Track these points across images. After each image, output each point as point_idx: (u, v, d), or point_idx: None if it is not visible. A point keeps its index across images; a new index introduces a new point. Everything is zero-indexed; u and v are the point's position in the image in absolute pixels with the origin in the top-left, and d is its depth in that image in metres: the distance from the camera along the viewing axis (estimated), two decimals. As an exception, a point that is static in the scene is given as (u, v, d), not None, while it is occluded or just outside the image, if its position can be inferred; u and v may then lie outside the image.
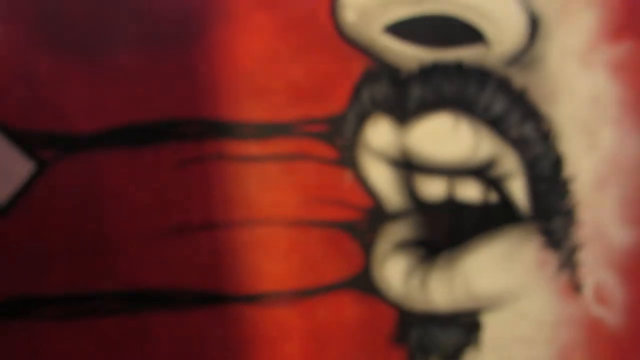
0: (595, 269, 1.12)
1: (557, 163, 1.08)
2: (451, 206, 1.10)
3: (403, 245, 1.12)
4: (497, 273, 1.12)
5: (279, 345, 1.15)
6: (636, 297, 1.13)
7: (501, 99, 1.05)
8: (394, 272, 1.13)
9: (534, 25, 1.03)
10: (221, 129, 1.07)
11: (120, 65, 1.03)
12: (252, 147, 1.08)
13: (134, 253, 1.09)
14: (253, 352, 1.13)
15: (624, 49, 1.03)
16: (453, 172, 1.09)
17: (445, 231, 1.12)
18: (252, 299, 1.13)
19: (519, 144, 1.07)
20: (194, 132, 1.07)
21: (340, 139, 1.08)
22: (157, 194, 1.07)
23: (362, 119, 1.07)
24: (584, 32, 1.03)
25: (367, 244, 1.12)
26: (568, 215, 1.10)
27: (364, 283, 1.14)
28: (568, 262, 1.12)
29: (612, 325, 1.14)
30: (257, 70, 1.06)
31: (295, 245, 1.12)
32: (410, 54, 1.05)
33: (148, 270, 1.10)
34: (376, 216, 1.11)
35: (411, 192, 1.10)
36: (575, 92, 1.05)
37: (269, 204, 1.10)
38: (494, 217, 1.11)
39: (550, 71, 1.04)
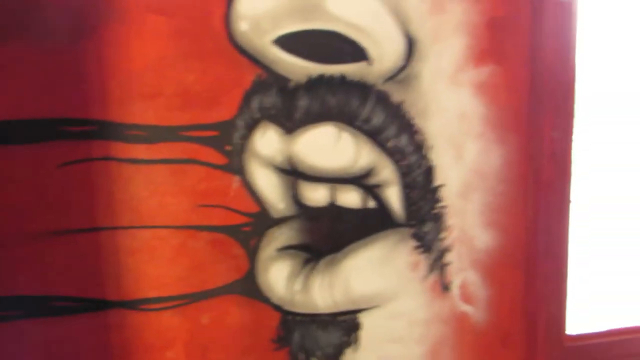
0: (461, 269, 2.07)
1: (428, 172, 1.98)
2: (333, 212, 1.96)
3: (286, 250, 1.96)
4: (373, 275, 1.99)
5: (162, 351, 1.91)
6: (496, 294, 2.11)
7: (380, 113, 1.90)
8: (278, 276, 1.91)
9: (411, 46, 1.91)
10: (109, 130, 1.72)
11: (9, 56, 1.53)
12: (140, 150, 1.79)
13: (9, 256, 1.72)
14: (138, 355, 1.89)
15: (486, 71, 1.96)
16: (335, 179, 1.93)
17: (327, 236, 1.95)
18: (134, 304, 1.87)
19: (395, 154, 1.95)
20: (79, 132, 1.74)
21: (229, 144, 1.87)
22: (36, 194, 1.70)
23: (250, 126, 1.84)
24: (452, 55, 1.92)
25: (252, 249, 1.94)
26: (437, 220, 2.03)
27: (248, 287, 1.91)
28: (437, 264, 2.06)
29: (476, 320, 2.12)
30: (148, 72, 1.73)
31: (181, 250, 1.84)
32: (298, 66, 1.83)
33: (21, 274, 1.79)
34: (261, 221, 1.90)
35: (295, 198, 1.94)
36: (444, 109, 1.94)
37: (155, 208, 1.80)
38: (372, 222, 1.98)
39: (424, 88, 1.92)
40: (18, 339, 1.53)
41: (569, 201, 1.78)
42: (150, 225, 1.56)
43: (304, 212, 1.71)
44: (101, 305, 1.62)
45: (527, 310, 1.78)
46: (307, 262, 1.71)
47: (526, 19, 1.62)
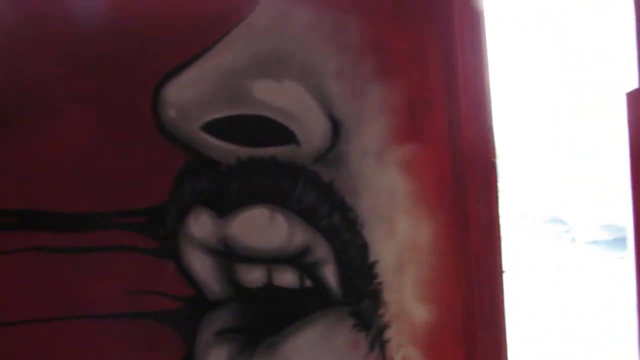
0: (401, 346, 2.01)
1: (362, 249, 1.96)
2: (270, 292, 1.89)
3: (225, 334, 1.88)
4: (313, 355, 1.91)
5: None
6: None
7: (311, 192, 1.89)
8: (216, 361, 1.86)
9: (336, 128, 1.93)
10: (38, 220, 1.72)
11: None
12: (70, 239, 1.75)
13: None
14: None
15: (410, 149, 1.99)
16: (270, 260, 1.89)
17: (265, 317, 1.89)
18: None
19: (329, 233, 1.93)
20: (5, 224, 1.70)
21: (162, 229, 1.82)
22: None
23: (183, 210, 1.83)
24: (377, 135, 1.94)
25: (188, 334, 1.85)
26: (375, 296, 1.98)
27: None
28: (377, 341, 1.99)
29: None
30: (77, 160, 1.73)
31: (114, 339, 1.78)
32: (228, 150, 1.84)
33: None
34: (197, 305, 1.84)
35: (231, 280, 1.88)
36: (373, 186, 1.94)
37: (86, 297, 1.77)
38: (310, 302, 1.92)
39: (351, 168, 1.93)
40: None
41: (501, 271, 1.75)
42: (81, 315, 1.46)
43: (241, 294, 1.67)
44: None
45: None
46: (246, 345, 1.58)
47: (443, 100, 1.66)
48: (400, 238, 1.67)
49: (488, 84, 1.75)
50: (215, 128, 1.62)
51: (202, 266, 1.63)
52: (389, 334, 1.70)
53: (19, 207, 1.45)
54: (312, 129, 1.59)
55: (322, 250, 1.66)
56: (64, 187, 1.48)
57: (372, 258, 1.70)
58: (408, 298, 1.69)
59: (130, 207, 1.50)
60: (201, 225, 1.59)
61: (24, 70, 1.46)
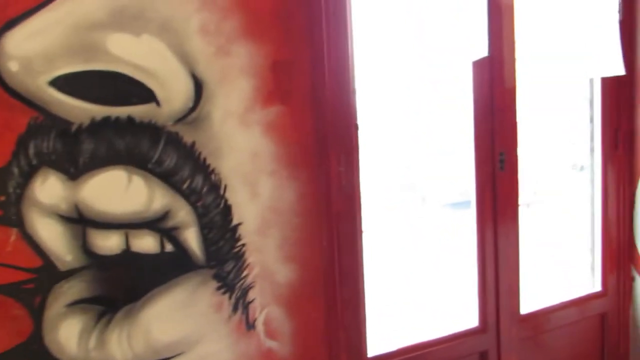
0: (264, 305, 1.91)
1: (225, 212, 1.82)
2: (128, 259, 1.70)
3: (78, 304, 1.66)
4: (176, 321, 1.75)
5: None
6: (300, 326, 1.97)
7: (172, 154, 1.70)
8: (68, 334, 1.60)
9: (199, 88, 1.75)
10: None
11: None
12: None
13: None
14: None
15: (274, 111, 1.86)
16: (128, 225, 1.69)
17: (123, 285, 1.70)
18: None
19: (191, 196, 1.76)
20: None
21: (3, 194, 1.55)
22: None
23: (28, 173, 1.55)
24: (241, 96, 1.79)
25: (36, 308, 1.61)
26: (238, 259, 1.85)
27: (34, 350, 1.60)
28: (240, 303, 1.88)
29: (282, 354, 1.95)
30: None
31: None
32: (80, 109, 1.59)
33: None
34: (46, 276, 1.60)
35: (85, 248, 1.65)
36: (237, 148, 1.79)
37: None
38: (171, 267, 1.75)
39: (215, 129, 1.76)
40: None
41: (360, 231, 1.70)
42: None
43: (96, 262, 1.51)
44: None
45: (329, 338, 1.65)
46: (102, 315, 1.46)
47: (307, 63, 1.55)
48: (263, 200, 1.58)
49: (352, 49, 1.65)
50: (66, 84, 1.43)
51: (50, 234, 1.46)
52: (253, 294, 1.59)
53: None
54: (173, 88, 1.43)
55: (183, 214, 1.57)
56: None
57: (235, 220, 1.57)
58: (272, 259, 1.62)
59: (-36, 170, 1.23)
60: (49, 189, 1.43)
61: None
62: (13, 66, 1.31)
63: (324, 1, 1.64)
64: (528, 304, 2.16)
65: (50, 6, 1.32)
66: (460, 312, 2.08)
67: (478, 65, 1.95)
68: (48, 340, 1.43)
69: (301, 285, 1.68)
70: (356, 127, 1.72)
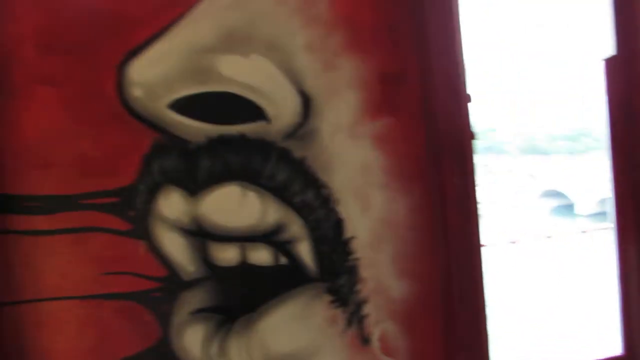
0: (380, 321, 1.87)
1: (337, 225, 1.83)
2: (244, 271, 1.77)
3: (200, 313, 1.75)
4: (290, 333, 1.79)
5: None
6: (416, 344, 1.90)
7: (283, 169, 1.76)
8: (193, 340, 1.71)
9: (307, 103, 1.79)
10: (6, 203, 1.61)
11: None
12: (40, 221, 1.63)
13: None
14: None
15: (382, 123, 1.84)
16: (244, 238, 1.76)
17: (241, 296, 1.77)
18: None
19: (303, 210, 1.79)
20: None
21: (132, 210, 1.69)
22: None
23: (153, 190, 1.70)
24: (349, 109, 1.81)
25: (163, 314, 1.73)
26: (351, 273, 1.85)
27: (162, 354, 1.72)
28: (355, 317, 1.86)
29: None
30: (43, 143, 1.60)
31: (89, 320, 1.66)
32: (197, 128, 1.71)
33: None
34: (172, 285, 1.72)
35: (205, 260, 1.75)
36: (347, 162, 1.80)
37: (58, 279, 1.65)
38: (285, 279, 1.79)
39: (324, 143, 1.79)
40: None
41: (478, 245, 1.61)
42: (54, 297, 1.34)
43: (216, 273, 1.59)
44: None
45: (449, 359, 1.56)
46: (222, 324, 1.60)
47: (415, 73, 1.53)
48: (375, 213, 1.56)
49: (462, 56, 1.59)
50: (183, 106, 1.54)
51: (174, 246, 1.55)
52: (367, 309, 1.58)
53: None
54: (281, 104, 1.47)
55: (296, 228, 1.60)
56: (33, 170, 1.35)
57: (347, 234, 1.62)
58: (385, 273, 1.59)
59: (99, 188, 1.37)
60: (172, 205, 1.53)
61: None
62: (137, 92, 1.44)
63: (430, 11, 1.60)
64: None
65: (167, 36, 1.43)
66: (595, 336, 1.86)
67: (611, 63, 1.78)
68: (174, 345, 1.50)
69: (417, 301, 1.63)
70: (471, 137, 1.64)
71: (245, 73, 1.48)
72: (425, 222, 1.62)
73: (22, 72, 1.38)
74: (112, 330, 1.46)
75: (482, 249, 1.69)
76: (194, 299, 1.52)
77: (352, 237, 1.58)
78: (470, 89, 1.66)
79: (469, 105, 1.66)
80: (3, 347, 1.37)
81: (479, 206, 1.69)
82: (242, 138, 1.50)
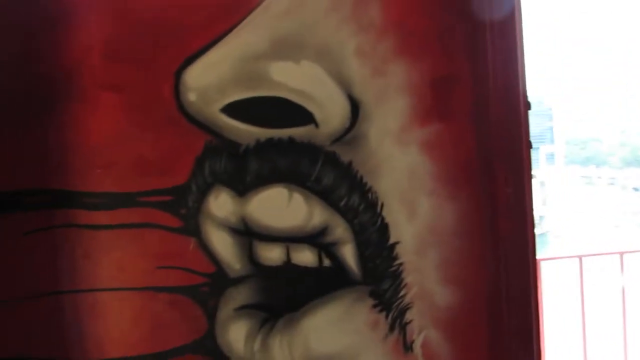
0: (423, 327, 1.90)
1: (382, 230, 1.87)
2: (289, 271, 1.85)
3: (245, 309, 1.85)
4: (333, 334, 1.85)
5: None
6: (460, 354, 1.91)
7: (330, 173, 1.82)
8: (237, 336, 1.81)
9: (355, 108, 1.84)
10: (69, 199, 1.77)
11: None
12: (99, 216, 1.79)
13: None
14: None
15: (432, 129, 1.86)
16: (289, 239, 1.84)
17: (284, 295, 1.85)
18: None
19: (348, 213, 1.85)
20: (42, 202, 1.77)
21: (184, 208, 1.82)
22: (3, 262, 1.75)
23: (204, 190, 1.81)
24: (397, 115, 1.83)
25: (210, 309, 1.84)
26: (395, 278, 1.88)
27: (208, 347, 1.81)
28: (398, 322, 1.90)
29: None
30: (105, 144, 1.76)
31: (141, 310, 1.80)
32: (247, 132, 1.80)
33: None
34: (219, 281, 1.82)
35: (251, 258, 1.85)
36: (394, 167, 1.83)
37: (114, 271, 1.79)
38: (329, 281, 1.85)
39: (371, 148, 1.83)
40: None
41: (532, 256, 1.61)
42: (110, 287, 1.49)
43: (261, 272, 1.66)
44: None
45: None
46: (265, 321, 1.67)
47: (468, 79, 1.54)
48: (421, 219, 1.59)
49: (522, 60, 1.58)
50: (235, 110, 1.62)
51: (222, 244, 1.64)
52: (410, 315, 1.60)
53: (55, 187, 1.47)
54: (330, 109, 1.54)
55: (340, 231, 1.64)
56: (95, 169, 1.51)
57: (392, 239, 1.66)
58: (430, 280, 1.63)
59: (155, 187, 1.50)
60: (221, 204, 1.61)
61: (57, 59, 1.48)
62: (192, 96, 1.55)
63: (489, 13, 1.60)
64: None
65: (221, 42, 1.53)
66: None
67: None
68: (220, 339, 1.60)
69: (462, 310, 1.64)
70: (527, 145, 1.63)
71: (295, 79, 1.55)
72: (473, 230, 1.63)
73: (90, 79, 1.51)
74: (163, 321, 1.57)
75: (538, 261, 1.67)
76: (239, 296, 1.60)
77: (397, 242, 1.61)
78: (530, 96, 1.64)
79: (527, 112, 1.64)
80: (64, 333, 1.51)
81: (534, 217, 1.67)
82: (290, 141, 1.57)
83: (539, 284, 1.65)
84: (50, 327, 1.54)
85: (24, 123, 1.52)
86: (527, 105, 1.62)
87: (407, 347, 1.64)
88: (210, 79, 1.53)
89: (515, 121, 1.64)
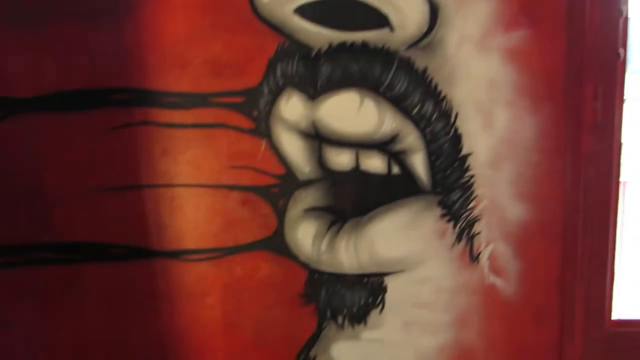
0: (491, 240, 1.94)
1: (455, 140, 1.87)
2: (357, 176, 1.92)
3: (313, 211, 1.96)
4: (399, 240, 1.93)
5: (201, 297, 2.01)
6: (529, 268, 1.95)
7: (403, 79, 1.81)
8: (305, 235, 1.93)
9: (434, 12, 1.78)
10: (147, 98, 1.85)
11: (58, 36, 1.83)
12: (176, 115, 1.89)
13: (68, 209, 1.93)
14: (177, 303, 2.00)
15: (517, 36, 1.77)
16: (359, 144, 1.88)
17: (352, 199, 1.93)
18: (176, 254, 1.98)
19: (420, 121, 1.86)
20: (122, 100, 1.89)
21: (256, 110, 1.90)
22: (87, 156, 1.88)
23: (275, 92, 1.86)
24: (480, 20, 1.76)
25: (280, 208, 1.96)
26: (465, 189, 1.89)
27: (277, 244, 1.93)
28: (465, 233, 1.94)
29: (505, 293, 1.98)
30: (179, 45, 1.81)
31: (215, 207, 1.91)
32: (320, 34, 1.80)
33: (81, 224, 1.95)
34: (288, 183, 1.91)
35: (320, 162, 1.92)
36: (472, 75, 1.79)
37: (190, 169, 1.91)
38: (397, 188, 1.90)
39: (449, 55, 1.79)
40: (79, 280, 1.68)
41: (616, 176, 1.59)
42: (187, 184, 1.63)
43: (329, 176, 1.73)
44: (147, 254, 1.79)
45: (564, 288, 1.63)
46: (332, 223, 1.75)
47: (562, -21, 1.45)
48: (498, 132, 1.60)
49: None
50: (309, 11, 1.62)
51: (292, 147, 1.70)
52: (479, 227, 1.67)
53: (134, 86, 1.58)
54: (407, 13, 1.53)
55: (411, 139, 1.66)
56: (171, 69, 1.60)
57: (465, 150, 1.68)
58: (502, 194, 1.67)
59: (228, 88, 1.57)
60: (292, 107, 1.66)
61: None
62: (265, -3, 1.57)
63: None
64: None
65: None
66: None
67: None
68: (288, 238, 1.72)
69: (535, 225, 1.66)
70: (619, 57, 1.56)
71: (371, -22, 1.52)
72: (553, 146, 1.61)
73: None
74: (235, 218, 1.70)
75: (621, 184, 1.65)
76: (308, 198, 1.70)
77: (470, 154, 1.62)
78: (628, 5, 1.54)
79: (624, 24, 1.55)
80: (144, 224, 1.68)
81: (622, 138, 1.62)
82: (364, 45, 1.57)
83: (620, 207, 1.63)
84: (132, 218, 1.69)
85: (104, 24, 1.59)
86: (624, 16, 1.52)
87: (474, 257, 1.69)
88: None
89: (610, 32, 1.55)
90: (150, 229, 1.71)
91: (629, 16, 1.52)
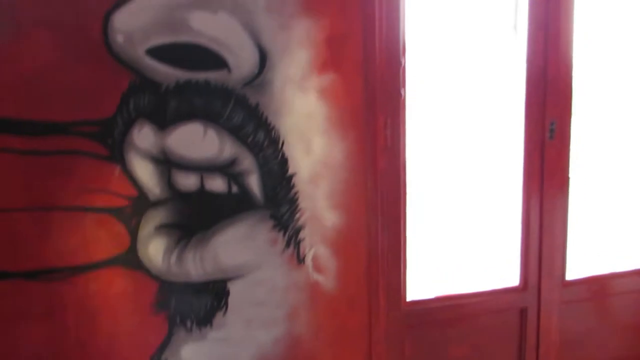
0: (313, 244, 2.50)
1: (282, 163, 2.41)
2: (202, 196, 2.36)
3: (163, 228, 2.36)
4: (239, 249, 2.32)
5: (56, 315, 2.10)
6: (343, 265, 2.53)
7: (240, 112, 2.31)
8: (156, 251, 2.26)
9: (264, 57, 2.34)
10: (7, 126, 2.12)
11: None
12: (35, 143, 2.10)
13: None
14: (32, 321, 2.23)
15: (327, 78, 2.42)
16: (203, 168, 2.31)
17: (198, 216, 2.32)
18: (32, 275, 2.06)
19: (254, 148, 2.40)
20: None
21: (110, 139, 2.27)
22: None
23: (128, 123, 2.25)
24: (299, 65, 2.34)
25: (133, 227, 2.32)
26: (292, 203, 2.43)
27: (130, 260, 2.20)
28: (293, 240, 2.50)
29: (326, 287, 2.55)
30: (39, 77, 2.11)
31: (71, 227, 2.24)
32: (168, 73, 2.23)
33: None
34: (141, 203, 2.22)
35: (169, 184, 2.33)
36: (294, 109, 2.34)
37: (49, 192, 2.11)
38: (236, 205, 2.35)
39: (276, 93, 2.33)
40: None
41: (403, 187, 2.24)
42: (44, 207, 1.91)
43: (177, 196, 2.05)
44: (2, 275, 1.95)
45: (370, 279, 2.21)
46: (181, 238, 2.07)
47: (359, 35, 2.07)
48: (316, 155, 2.10)
49: (403, 22, 2.15)
50: (158, 53, 1.94)
51: (144, 171, 1.99)
52: (303, 234, 2.15)
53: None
54: (242, 57, 1.98)
55: (247, 162, 2.06)
56: (31, 99, 1.86)
57: (290, 171, 2.12)
58: (320, 205, 2.14)
59: (85, 118, 1.91)
60: (144, 136, 1.96)
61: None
62: (119, 38, 1.94)
63: (377, -17, 2.14)
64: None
65: (147, -8, 1.94)
66: (502, 270, 2.55)
67: (532, 34, 2.39)
68: (141, 253, 2.02)
69: (346, 230, 2.22)
70: (401, 95, 2.25)
71: (212, 27, 1.94)
72: (358, 165, 2.20)
73: (24, 14, 1.88)
74: (90, 237, 2.00)
75: (406, 190, 2.33)
76: (158, 216, 2.03)
77: (295, 174, 2.15)
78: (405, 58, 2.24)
79: (402, 71, 2.25)
80: (0, 246, 1.92)
81: (406, 154, 2.31)
82: (206, 83, 2.03)
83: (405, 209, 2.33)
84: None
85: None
86: (401, 64, 2.24)
87: (300, 259, 2.22)
88: (137, 24, 1.87)
89: (394, 73, 2.24)
90: (3, 250, 1.92)
91: (405, 65, 2.23)
